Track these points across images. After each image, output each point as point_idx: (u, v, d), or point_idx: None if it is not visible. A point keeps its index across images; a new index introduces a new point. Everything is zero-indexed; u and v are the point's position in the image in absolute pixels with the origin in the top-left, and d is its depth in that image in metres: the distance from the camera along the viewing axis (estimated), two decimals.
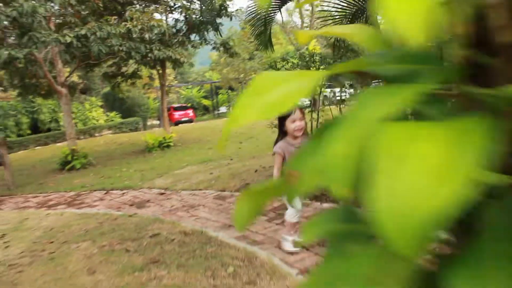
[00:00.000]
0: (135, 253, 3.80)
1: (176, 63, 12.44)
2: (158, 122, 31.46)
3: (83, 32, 8.57)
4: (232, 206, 5.09)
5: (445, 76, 0.50)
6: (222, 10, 11.46)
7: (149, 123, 33.03)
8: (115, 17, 10.29)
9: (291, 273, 2.90)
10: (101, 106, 30.53)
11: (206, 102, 39.44)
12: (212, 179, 6.81)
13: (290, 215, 3.29)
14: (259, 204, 0.61)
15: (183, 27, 11.73)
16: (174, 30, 12.03)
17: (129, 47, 9.58)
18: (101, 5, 9.95)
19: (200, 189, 6.31)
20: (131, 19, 9.93)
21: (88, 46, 8.99)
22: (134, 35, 9.79)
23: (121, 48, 9.44)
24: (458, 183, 0.31)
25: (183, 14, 11.50)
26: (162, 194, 6.51)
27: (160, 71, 13.51)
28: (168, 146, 12.76)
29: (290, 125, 3.05)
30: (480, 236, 0.43)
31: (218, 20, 12.09)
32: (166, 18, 12.26)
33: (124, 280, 3.18)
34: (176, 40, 11.55)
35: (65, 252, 4.14)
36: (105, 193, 7.50)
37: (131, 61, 13.05)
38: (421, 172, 0.33)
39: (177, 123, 27.39)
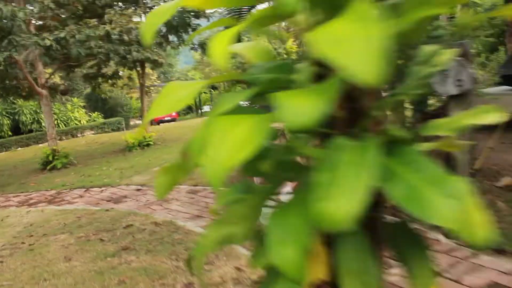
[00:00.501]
0: (108, 242, 4.13)
1: (155, 64, 12.71)
2: (140, 122, 31.58)
3: (62, 35, 8.80)
4: (203, 199, 5.44)
5: (291, 81, 0.86)
6: (199, 11, 11.75)
7: (132, 123, 33.11)
8: (95, 19, 10.51)
9: (246, 253, 3.26)
10: (84, 107, 30.52)
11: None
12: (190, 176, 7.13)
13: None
14: (173, 177, 0.97)
15: (161, 29, 12.00)
16: None
17: (107, 49, 9.84)
18: (80, 8, 10.17)
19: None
20: (110, 21, 10.17)
21: (68, 49, 9.23)
22: (113, 37, 10.03)
23: (100, 50, 9.69)
24: (252, 148, 0.67)
25: None
26: (138, 190, 6.83)
27: (140, 71, 13.77)
28: (148, 145, 13.04)
29: None
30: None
31: (196, 22, 12.39)
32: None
33: (97, 265, 3.51)
34: (154, 42, 11.81)
35: (44, 243, 4.45)
36: (85, 191, 7.77)
37: (111, 62, 13.26)
38: (232, 145, 0.69)
39: (160, 122, 27.58)
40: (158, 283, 2.94)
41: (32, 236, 4.86)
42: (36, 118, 26.60)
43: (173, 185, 0.97)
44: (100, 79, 14.75)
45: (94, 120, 29.92)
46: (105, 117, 30.59)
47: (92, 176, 9.27)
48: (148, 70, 16.11)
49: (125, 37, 10.46)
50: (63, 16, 10.19)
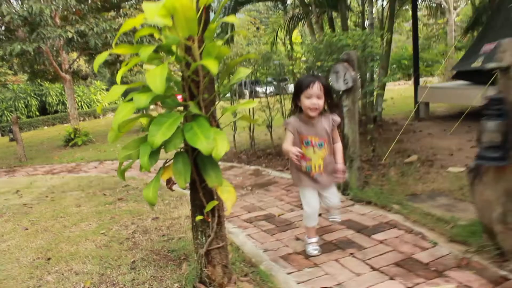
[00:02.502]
0: (109, 195, 5.47)
1: None
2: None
3: (82, 28, 10.14)
4: None
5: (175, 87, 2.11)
6: None
7: (152, 106, 34.64)
8: (112, 12, 11.82)
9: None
10: (106, 90, 32.19)
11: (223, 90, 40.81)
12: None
13: (305, 218, 2.94)
14: (134, 149, 2.22)
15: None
16: None
17: (121, 40, 11.16)
18: (99, 3, 11.50)
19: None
20: (125, 15, 11.47)
21: (87, 40, 10.59)
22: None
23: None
24: (124, 117, 1.92)
25: None
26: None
27: None
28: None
29: (305, 101, 2.67)
30: None
31: None
32: None
33: (98, 209, 4.84)
34: None
35: (62, 197, 5.82)
36: (100, 163, 9.18)
37: None
38: (118, 117, 1.94)
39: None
40: (136, 218, 4.25)
41: (53, 193, 6.25)
42: (61, 100, 28.37)
43: (135, 158, 2.24)
44: (118, 65, 16.13)
45: (115, 103, 31.55)
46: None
47: (107, 152, 10.70)
48: None
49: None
50: (83, 10, 11.53)
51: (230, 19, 2.22)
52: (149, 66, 2.27)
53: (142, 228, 3.92)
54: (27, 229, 4.37)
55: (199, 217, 2.37)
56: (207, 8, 2.26)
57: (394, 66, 26.38)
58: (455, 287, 2.27)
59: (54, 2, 10.17)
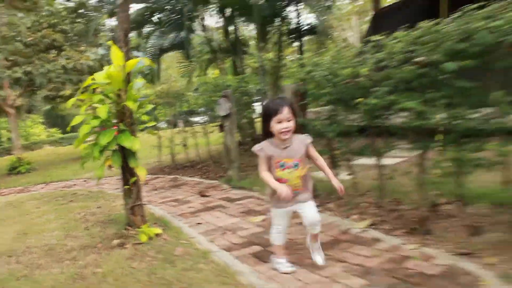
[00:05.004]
0: (62, 200, 7.18)
1: None
2: None
3: (29, 69, 11.72)
4: None
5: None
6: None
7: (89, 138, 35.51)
8: (54, 53, 13.45)
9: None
10: (43, 123, 32.83)
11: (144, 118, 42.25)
12: None
13: (274, 236, 3.01)
14: (90, 149, 4.14)
15: (108, 60, 15.05)
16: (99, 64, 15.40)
17: (64, 79, 12.84)
18: (42, 47, 13.13)
19: (111, 176, 9.72)
20: (67, 58, 13.18)
21: (33, 79, 12.17)
22: (68, 68, 13.02)
23: (58, 80, 12.67)
24: (86, 132, 3.86)
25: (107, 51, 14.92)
26: (85, 180, 9.83)
27: None
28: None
29: (276, 126, 2.70)
30: None
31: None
32: (97, 54, 15.57)
33: (55, 208, 6.56)
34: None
35: (22, 205, 7.42)
36: (46, 184, 10.67)
37: (67, 86, 16.15)
38: (81, 133, 3.87)
39: None
40: (85, 209, 6.05)
41: (12, 204, 7.80)
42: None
43: (98, 158, 4.19)
44: (58, 100, 17.59)
45: (53, 136, 32.23)
46: (63, 133, 32.96)
47: (51, 176, 12.14)
48: None
49: (79, 67, 13.44)
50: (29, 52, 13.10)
51: (147, 62, 4.30)
52: (98, 105, 4.22)
53: (90, 213, 5.74)
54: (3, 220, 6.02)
55: (126, 187, 4.31)
56: (129, 73, 4.28)
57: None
58: (264, 219, 4.34)
59: (5, 47, 11.69)
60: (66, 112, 29.31)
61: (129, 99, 4.09)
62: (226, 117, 6.08)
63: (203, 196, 5.80)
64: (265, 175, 2.79)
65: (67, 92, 17.50)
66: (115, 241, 4.19)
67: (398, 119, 3.49)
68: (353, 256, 3.12)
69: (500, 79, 2.75)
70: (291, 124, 2.69)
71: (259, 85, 6.87)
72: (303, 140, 2.84)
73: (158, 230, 4.26)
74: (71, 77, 12.96)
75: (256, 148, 2.83)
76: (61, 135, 32.27)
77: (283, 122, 2.67)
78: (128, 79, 4.23)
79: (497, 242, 3.00)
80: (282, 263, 2.97)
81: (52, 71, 12.11)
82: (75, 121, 4.24)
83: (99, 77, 4.06)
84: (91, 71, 14.39)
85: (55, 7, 14.01)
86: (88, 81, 4.13)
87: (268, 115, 2.73)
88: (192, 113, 11.42)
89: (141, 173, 4.18)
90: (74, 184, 9.47)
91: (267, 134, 2.79)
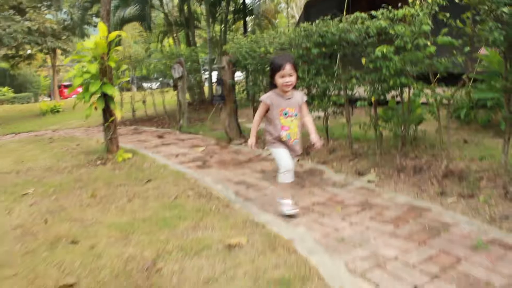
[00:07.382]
0: (40, 142, 8.73)
1: (65, 51, 16.86)
2: (48, 99, 34.40)
3: None
4: (94, 133, 10.10)
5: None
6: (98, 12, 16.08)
7: (40, 99, 35.71)
8: (18, 15, 14.42)
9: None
10: None
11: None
12: (84, 124, 11.76)
13: (282, 175, 3.15)
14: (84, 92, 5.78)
15: (70, 25, 16.18)
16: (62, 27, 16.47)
17: (30, 40, 13.93)
18: (7, 7, 14.07)
19: (75, 127, 11.25)
20: (30, 19, 14.22)
21: (0, 39, 13.20)
22: (33, 30, 14.09)
23: (23, 40, 13.76)
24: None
25: (69, 16, 16.03)
26: (54, 131, 11.30)
27: (53, 55, 17.77)
28: (58, 111, 17.18)
29: (278, 80, 3.03)
30: None
31: (96, 20, 16.65)
32: (57, 17, 16.58)
33: (37, 146, 8.12)
34: (65, 35, 16.00)
35: (5, 145, 8.88)
36: (16, 134, 12.00)
37: (27, 46, 17.09)
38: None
39: (67, 98, 30.90)
40: (65, 147, 7.69)
41: None
42: None
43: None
44: (17, 59, 18.43)
45: (4, 95, 32.28)
46: (14, 92, 33.02)
47: (19, 128, 13.41)
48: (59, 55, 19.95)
49: (42, 30, 14.50)
50: None
51: (123, 34, 6.01)
52: (87, 64, 5.87)
53: (71, 148, 7.40)
54: None
55: (107, 124, 6.05)
56: (111, 42, 5.94)
57: None
58: (204, 149, 6.23)
59: None
60: (17, 72, 29.54)
61: (110, 60, 5.79)
62: (179, 78, 7.85)
63: (160, 137, 7.62)
64: (255, 120, 3.26)
65: (26, 51, 18.40)
66: (98, 162, 5.95)
67: None
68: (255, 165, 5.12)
69: (341, 61, 4.72)
70: (293, 79, 3.03)
71: (207, 55, 8.67)
72: (301, 97, 3.22)
73: (129, 155, 6.05)
74: (36, 39, 14.05)
75: (263, 97, 3.18)
76: (12, 94, 32.34)
77: (285, 76, 2.99)
78: (109, 46, 5.90)
79: (340, 156, 5.07)
80: (288, 205, 3.17)
81: (18, 32, 13.18)
82: (70, 74, 5.89)
83: (89, 43, 5.73)
84: (54, 33, 15.52)
85: None
86: (79, 46, 5.78)
87: (273, 70, 3.07)
88: (146, 79, 13.12)
89: (118, 114, 5.94)
90: (45, 133, 10.93)
91: (272, 85, 3.15)
